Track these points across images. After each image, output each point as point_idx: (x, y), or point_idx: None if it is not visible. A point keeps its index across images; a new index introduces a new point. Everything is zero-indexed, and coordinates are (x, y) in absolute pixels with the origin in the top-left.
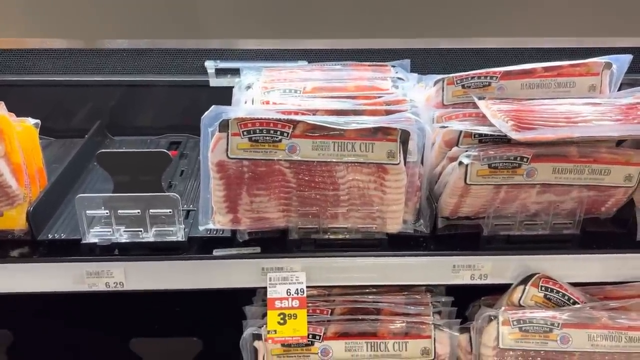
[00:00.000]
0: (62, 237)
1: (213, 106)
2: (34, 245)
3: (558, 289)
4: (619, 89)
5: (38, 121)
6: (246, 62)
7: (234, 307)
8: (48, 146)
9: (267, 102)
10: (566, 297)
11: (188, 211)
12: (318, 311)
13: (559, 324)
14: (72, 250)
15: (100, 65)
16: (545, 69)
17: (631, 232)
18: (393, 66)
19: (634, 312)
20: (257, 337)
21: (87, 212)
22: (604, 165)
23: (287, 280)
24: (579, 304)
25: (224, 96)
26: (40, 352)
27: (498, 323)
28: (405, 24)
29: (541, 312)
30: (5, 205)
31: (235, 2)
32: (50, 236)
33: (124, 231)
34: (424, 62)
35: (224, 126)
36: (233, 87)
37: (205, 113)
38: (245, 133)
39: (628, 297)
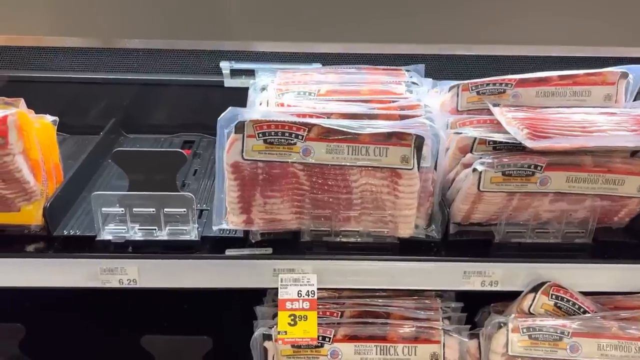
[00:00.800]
0: (77, 234)
1: (229, 107)
2: (50, 241)
3: (569, 298)
4: (635, 99)
5: (56, 118)
6: (261, 63)
7: (244, 306)
8: (63, 142)
9: (282, 104)
10: (577, 306)
11: (201, 210)
12: (328, 313)
13: (569, 332)
14: (86, 246)
15: (117, 64)
16: (561, 77)
17: None
18: (407, 70)
19: None
20: (268, 337)
21: (103, 209)
22: (618, 175)
23: (298, 282)
24: (589, 313)
25: (238, 96)
26: (51, 346)
27: (507, 330)
28: (420, 29)
29: (551, 320)
30: (22, 201)
31: (251, 4)
32: (65, 232)
33: (139, 229)
34: (439, 68)
35: (240, 128)
36: (247, 87)
37: (222, 114)
38: (260, 135)
39: (638, 307)
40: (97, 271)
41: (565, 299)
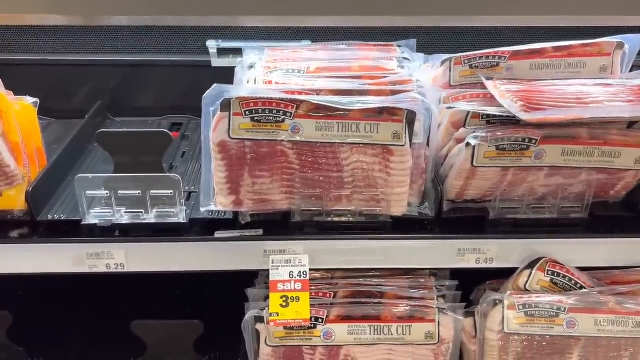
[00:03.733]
0: (62, 218)
1: (215, 85)
2: (34, 226)
3: (565, 274)
4: (631, 71)
5: (37, 100)
6: (249, 41)
7: (236, 289)
8: (48, 127)
9: (270, 82)
10: (573, 282)
11: (190, 193)
12: (321, 294)
13: (565, 308)
14: (72, 231)
15: (101, 45)
16: (555, 48)
17: None
18: (399, 46)
19: None
20: (259, 319)
21: (87, 192)
22: (614, 148)
23: (289, 263)
24: (586, 288)
25: (226, 76)
26: (40, 334)
27: (503, 307)
28: (411, 1)
29: (547, 296)
30: (4, 185)
31: None
32: (50, 217)
33: (125, 212)
34: (431, 42)
35: (226, 106)
36: (235, 67)
37: (207, 92)
38: (247, 113)
39: (636, 282)
40: (84, 256)
41: (561, 275)
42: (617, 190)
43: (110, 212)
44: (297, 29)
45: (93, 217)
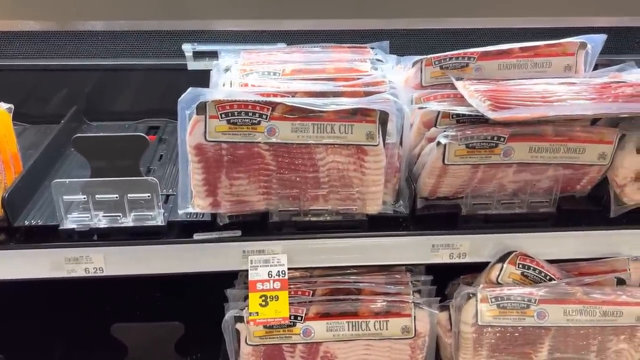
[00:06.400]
0: (39, 224)
1: (190, 88)
2: (11, 232)
3: (535, 266)
4: (594, 69)
5: (11, 106)
6: (224, 44)
7: (216, 290)
8: (23, 132)
9: (246, 85)
10: (543, 274)
11: (167, 196)
12: (300, 292)
13: (535, 300)
14: (50, 236)
15: (76, 49)
16: (522, 49)
17: (605, 210)
18: (372, 48)
19: (608, 287)
20: (239, 319)
21: (64, 197)
22: (578, 144)
23: (268, 263)
24: (555, 280)
25: (203, 79)
26: (20, 339)
27: (477, 300)
28: (385, 4)
29: (519, 289)
30: None
31: None
32: (27, 222)
33: (103, 216)
34: (404, 44)
35: (202, 109)
36: (211, 70)
37: (183, 95)
38: (223, 115)
39: (602, 272)
40: (62, 261)
41: (531, 268)
42: (583, 184)
43: (88, 217)
44: (272, 32)
45: (71, 221)
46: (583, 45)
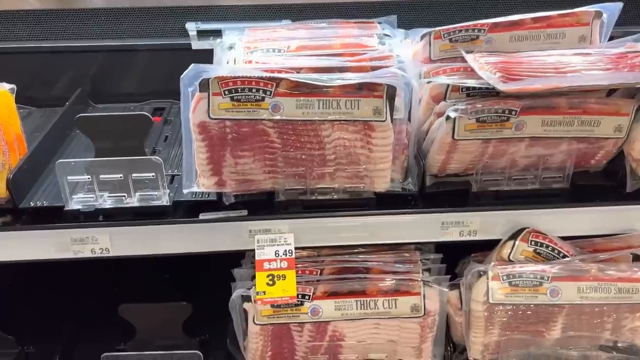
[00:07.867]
0: (45, 205)
1: (192, 65)
2: (16, 214)
3: (548, 243)
4: (610, 40)
5: (13, 86)
6: (228, 22)
7: (223, 270)
8: (28, 116)
9: (250, 62)
10: (556, 251)
11: (173, 176)
12: (307, 272)
13: (548, 277)
14: (55, 217)
15: (80, 30)
16: (534, 19)
17: (621, 185)
18: (380, 22)
19: (623, 263)
20: (246, 298)
21: (69, 178)
22: (593, 116)
23: (275, 242)
24: (568, 257)
25: (207, 59)
26: (28, 320)
27: (488, 278)
28: None
29: (531, 266)
30: None
31: None
32: (32, 204)
33: (108, 197)
34: (412, 18)
35: (205, 86)
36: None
37: (185, 72)
38: (226, 92)
39: (617, 249)
40: (68, 242)
41: (544, 245)
42: (598, 159)
43: (93, 197)
44: (277, 6)
45: (76, 202)
46: (598, 15)
